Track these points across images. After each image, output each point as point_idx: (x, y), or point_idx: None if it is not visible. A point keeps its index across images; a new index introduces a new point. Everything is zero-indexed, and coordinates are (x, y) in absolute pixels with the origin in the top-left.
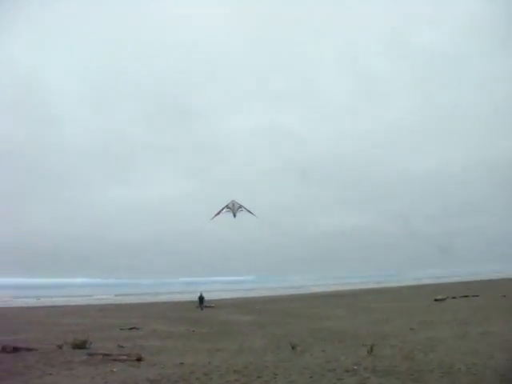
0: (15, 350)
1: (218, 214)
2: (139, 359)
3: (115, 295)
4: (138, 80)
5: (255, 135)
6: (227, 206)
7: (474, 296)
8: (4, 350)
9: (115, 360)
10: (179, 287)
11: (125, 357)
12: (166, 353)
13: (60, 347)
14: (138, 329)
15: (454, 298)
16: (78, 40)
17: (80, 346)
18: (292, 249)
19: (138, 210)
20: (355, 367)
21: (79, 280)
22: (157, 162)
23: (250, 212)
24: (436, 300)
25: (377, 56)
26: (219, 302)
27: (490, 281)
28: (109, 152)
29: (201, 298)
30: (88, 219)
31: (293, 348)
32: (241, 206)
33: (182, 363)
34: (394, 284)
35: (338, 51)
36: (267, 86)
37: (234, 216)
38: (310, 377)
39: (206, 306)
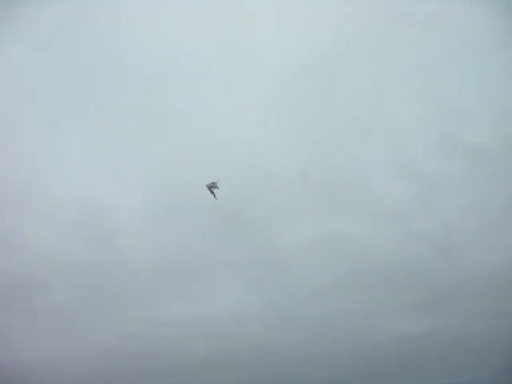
0: None
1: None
2: None
3: None
4: (198, 195)
5: (313, 243)
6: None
7: None
8: None
9: None
10: None
11: None
12: None
13: None
14: None
15: None
16: (139, 162)
17: None
18: (356, 358)
19: (200, 324)
20: None
21: None
22: (217, 276)
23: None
24: None
25: (428, 155)
26: None
27: None
28: (171, 267)
29: None
30: (151, 336)
31: None
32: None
33: None
34: None
35: (388, 150)
36: (321, 192)
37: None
38: None
39: None
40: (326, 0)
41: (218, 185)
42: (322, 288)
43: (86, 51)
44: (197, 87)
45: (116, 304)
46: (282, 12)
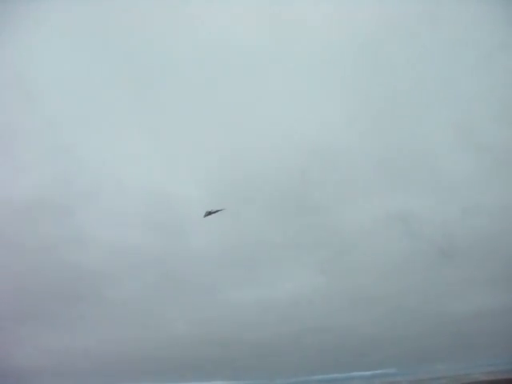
0: None
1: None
2: None
3: None
4: (261, 182)
5: (378, 221)
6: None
7: None
8: None
9: None
10: None
11: None
12: None
13: None
14: None
15: None
16: (202, 153)
17: None
18: (434, 335)
19: (268, 309)
20: None
21: (215, 383)
22: (284, 260)
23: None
24: None
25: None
26: None
27: None
28: (238, 254)
29: None
30: (221, 321)
31: None
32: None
33: None
34: None
35: (452, 124)
36: (385, 170)
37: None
38: None
39: None
40: None
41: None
42: (390, 267)
43: (147, 49)
44: (259, 75)
45: (185, 292)
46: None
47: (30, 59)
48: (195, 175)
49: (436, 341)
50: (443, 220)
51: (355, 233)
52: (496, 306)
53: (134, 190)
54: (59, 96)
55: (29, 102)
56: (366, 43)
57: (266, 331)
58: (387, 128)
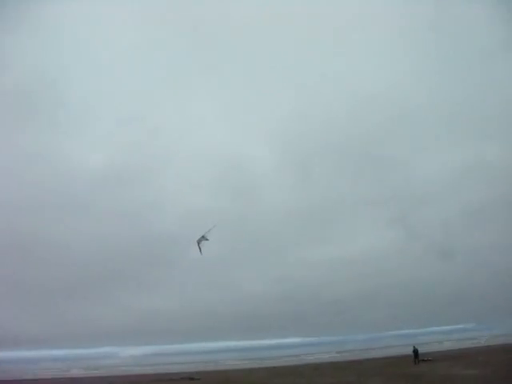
0: None
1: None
2: None
3: (333, 352)
4: (328, 138)
5: (451, 173)
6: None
7: None
8: None
9: None
10: (393, 340)
11: None
12: None
13: None
14: None
15: None
16: (271, 114)
17: None
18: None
19: (344, 265)
20: None
21: (293, 340)
22: (357, 216)
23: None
24: None
25: None
26: (437, 354)
27: None
28: (311, 212)
29: (415, 352)
30: (296, 279)
31: None
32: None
33: None
34: None
35: None
36: (457, 118)
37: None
38: None
39: (423, 360)
40: None
41: (208, 236)
42: (466, 219)
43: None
44: (325, 36)
45: (261, 252)
46: None
47: (98, 31)
48: (265, 136)
49: None
50: None
51: (428, 186)
52: None
53: (206, 154)
54: (131, 66)
55: (100, 75)
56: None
57: (340, 288)
58: (457, 81)
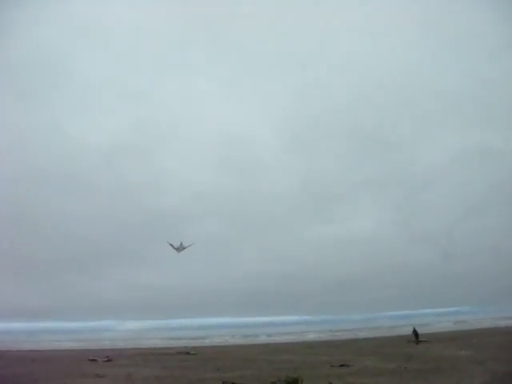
0: None
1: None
2: None
3: (328, 331)
4: (332, 119)
5: (455, 159)
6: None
7: None
8: None
9: None
10: (389, 321)
11: None
12: None
13: None
14: (348, 366)
15: None
16: (274, 96)
17: (292, 383)
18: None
19: (344, 246)
20: None
21: (289, 318)
22: (359, 198)
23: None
24: None
25: None
26: (432, 335)
27: None
28: (313, 192)
29: (415, 332)
30: (295, 259)
31: None
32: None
33: None
34: None
35: None
36: (462, 104)
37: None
38: None
39: (419, 340)
40: None
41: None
42: (468, 204)
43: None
44: (329, 13)
45: (261, 231)
46: None
47: (104, 8)
48: (269, 115)
49: None
50: None
51: (431, 169)
52: None
53: (210, 132)
54: (136, 43)
55: (106, 50)
56: None
57: (343, 268)
58: (462, 66)
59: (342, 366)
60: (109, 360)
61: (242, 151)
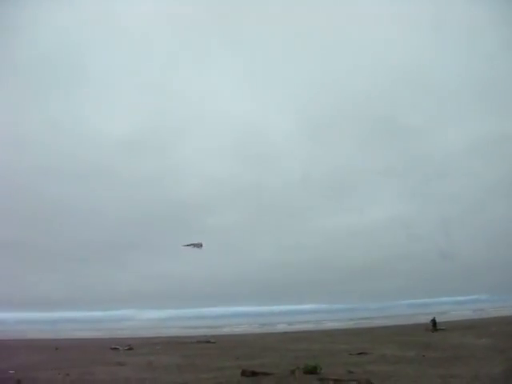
0: (253, 374)
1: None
2: None
3: (346, 319)
4: (348, 108)
5: (474, 147)
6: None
7: None
8: (244, 373)
9: None
10: (407, 309)
11: (355, 382)
12: (396, 379)
13: (293, 372)
14: (366, 354)
15: None
16: (290, 84)
17: (311, 371)
18: None
19: (362, 234)
20: None
21: (307, 306)
22: (374, 187)
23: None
24: None
25: None
26: (450, 323)
27: None
28: (329, 181)
29: (434, 321)
30: (311, 247)
31: None
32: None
33: None
34: None
35: None
36: (481, 92)
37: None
38: None
39: (437, 329)
40: None
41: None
42: (483, 193)
43: None
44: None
45: (279, 220)
46: None
47: (124, 0)
48: (286, 105)
49: None
50: None
51: (448, 158)
52: None
53: (227, 122)
54: (153, 36)
55: (125, 43)
56: None
57: (361, 256)
58: (481, 52)
59: (360, 354)
60: (130, 348)
61: (260, 141)
